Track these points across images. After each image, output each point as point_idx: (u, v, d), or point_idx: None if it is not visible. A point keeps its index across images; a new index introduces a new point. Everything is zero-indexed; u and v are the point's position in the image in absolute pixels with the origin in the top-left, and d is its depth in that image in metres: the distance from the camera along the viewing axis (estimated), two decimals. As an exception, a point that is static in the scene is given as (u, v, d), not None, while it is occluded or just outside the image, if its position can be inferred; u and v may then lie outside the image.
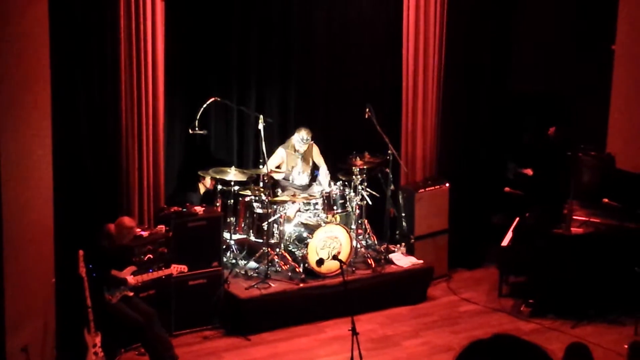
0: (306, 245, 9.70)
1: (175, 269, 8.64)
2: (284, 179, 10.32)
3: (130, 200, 9.19)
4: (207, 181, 10.02)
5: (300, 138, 10.18)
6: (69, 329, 8.19)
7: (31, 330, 7.65)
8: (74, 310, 8.06)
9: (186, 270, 8.74)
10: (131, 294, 8.37)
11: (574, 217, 9.92)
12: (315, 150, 10.46)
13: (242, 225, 9.99)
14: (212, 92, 9.94)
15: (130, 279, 8.27)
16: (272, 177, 10.00)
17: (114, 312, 8.19)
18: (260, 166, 9.94)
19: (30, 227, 7.59)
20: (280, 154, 10.29)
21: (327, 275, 9.73)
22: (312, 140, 10.28)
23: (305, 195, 10.09)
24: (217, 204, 9.81)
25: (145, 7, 9.06)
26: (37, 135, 7.55)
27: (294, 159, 10.29)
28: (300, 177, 10.35)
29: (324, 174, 10.33)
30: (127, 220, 8.47)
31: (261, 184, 10.00)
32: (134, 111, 9.15)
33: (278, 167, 10.31)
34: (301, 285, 9.61)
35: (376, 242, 10.60)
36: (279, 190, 10.23)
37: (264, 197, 9.81)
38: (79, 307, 7.88)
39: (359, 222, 10.39)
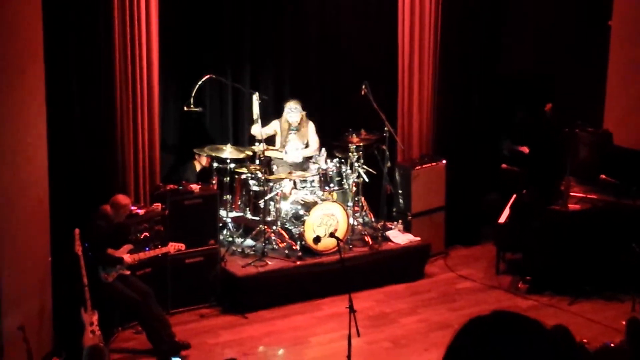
0: (303, 222, 9.69)
1: (173, 247, 8.64)
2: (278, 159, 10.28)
3: (126, 179, 9.16)
4: (203, 159, 10.00)
5: (289, 108, 10.14)
6: (65, 307, 8.18)
7: (28, 309, 7.65)
8: (71, 289, 8.05)
9: (184, 248, 8.73)
10: (127, 272, 8.36)
11: (571, 194, 9.92)
12: (311, 127, 10.42)
13: (239, 202, 9.97)
14: (206, 69, 9.90)
15: (127, 258, 8.25)
16: (266, 155, 9.96)
17: (110, 291, 8.18)
18: (256, 143, 9.91)
19: (26, 206, 7.58)
20: (274, 125, 10.26)
21: (324, 253, 9.72)
22: (303, 110, 10.22)
23: (302, 172, 10.06)
24: (213, 182, 9.79)
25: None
26: (32, 115, 7.53)
27: (287, 133, 10.25)
28: (295, 153, 10.29)
29: (312, 150, 10.30)
30: (122, 198, 8.44)
31: (257, 161, 9.97)
32: (129, 89, 9.11)
33: (272, 138, 10.25)
34: (298, 263, 9.61)
35: (373, 219, 10.59)
36: (274, 167, 10.21)
37: (260, 175, 9.79)
38: (76, 286, 7.88)
39: (356, 199, 10.37)
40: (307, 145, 10.41)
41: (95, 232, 8.17)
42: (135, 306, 8.25)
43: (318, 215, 9.68)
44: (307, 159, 10.33)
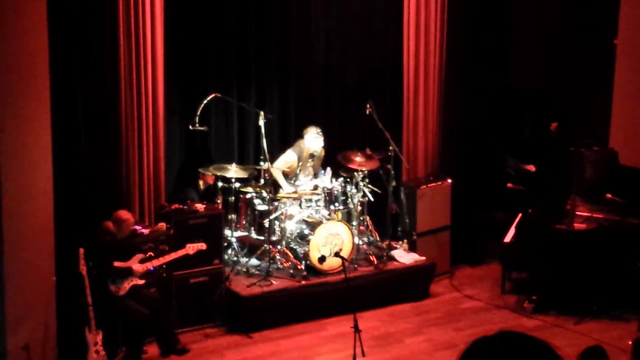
0: (308, 242, 9.68)
1: (191, 248, 8.65)
2: (287, 177, 10.26)
3: (131, 198, 9.18)
4: (208, 178, 10.00)
5: (313, 135, 10.13)
6: (70, 327, 8.17)
7: (32, 328, 7.63)
8: (75, 309, 8.05)
9: (205, 247, 8.75)
10: (142, 282, 8.38)
11: (577, 213, 9.89)
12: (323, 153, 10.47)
13: (243, 222, 9.96)
14: (211, 88, 9.93)
15: (136, 267, 8.27)
16: (272, 175, 9.94)
17: (120, 305, 8.20)
18: (261, 162, 9.91)
19: (30, 225, 7.57)
20: (291, 157, 10.22)
21: (329, 273, 9.70)
22: None
23: (307, 191, 10.04)
24: (218, 201, 9.79)
25: (144, 3, 9.04)
26: (37, 133, 7.54)
27: (306, 162, 10.24)
28: (306, 180, 10.27)
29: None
30: (123, 213, 8.48)
31: (262, 181, 9.97)
32: (134, 108, 9.14)
33: (292, 173, 10.26)
34: (303, 282, 9.59)
35: (378, 238, 10.57)
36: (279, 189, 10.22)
37: (265, 194, 9.78)
38: (80, 306, 7.88)
39: (361, 218, 10.36)
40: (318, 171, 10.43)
41: (99, 247, 8.19)
42: (143, 321, 8.27)
43: (323, 234, 9.67)
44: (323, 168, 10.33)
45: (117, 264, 8.23)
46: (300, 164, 10.23)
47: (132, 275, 8.29)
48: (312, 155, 10.27)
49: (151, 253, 8.75)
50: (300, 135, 10.33)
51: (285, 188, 10.12)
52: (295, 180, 10.27)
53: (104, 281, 8.13)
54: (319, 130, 10.18)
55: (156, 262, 8.48)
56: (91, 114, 8.92)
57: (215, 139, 10.45)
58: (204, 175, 10.00)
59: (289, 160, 10.22)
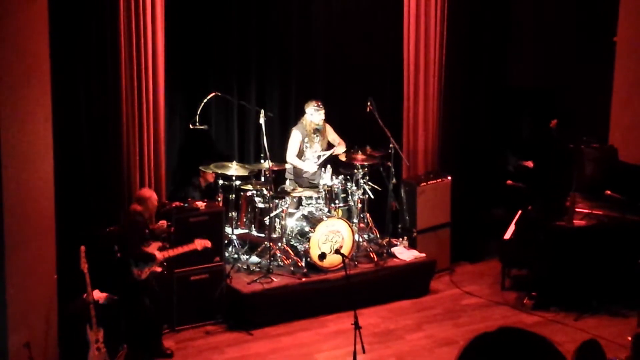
0: (308, 239, 9.69)
1: (199, 243, 8.71)
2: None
3: (132, 196, 9.17)
4: (208, 176, 10.01)
5: (313, 108, 10.09)
6: (71, 325, 8.19)
7: (33, 326, 7.66)
8: (76, 309, 8.07)
9: (210, 245, 8.83)
10: (159, 269, 8.46)
11: (577, 210, 9.91)
12: (329, 128, 10.44)
13: (244, 219, 9.98)
14: (212, 87, 9.94)
15: (158, 255, 8.37)
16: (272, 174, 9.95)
17: (141, 288, 8.31)
18: (262, 161, 9.92)
19: (31, 223, 7.59)
20: (297, 137, 10.20)
21: (330, 270, 9.72)
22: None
23: (309, 193, 10.04)
24: (219, 199, 9.80)
25: (145, 2, 9.05)
26: (38, 132, 7.55)
27: (311, 138, 10.24)
28: (312, 158, 10.25)
29: (342, 145, 10.37)
30: (145, 191, 8.66)
31: (262, 179, 9.99)
32: (135, 107, 9.15)
33: (299, 151, 10.25)
34: (303, 279, 9.61)
35: (378, 235, 10.58)
36: (287, 181, 10.22)
37: (265, 192, 9.80)
38: (81, 304, 7.91)
39: (361, 216, 10.37)
40: (328, 147, 10.40)
41: (135, 229, 8.32)
42: (153, 318, 8.39)
43: (323, 231, 9.69)
44: (323, 166, 10.30)
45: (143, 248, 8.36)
46: (306, 139, 10.23)
47: (153, 262, 8.37)
48: (316, 130, 10.25)
49: (166, 244, 8.79)
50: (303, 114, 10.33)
51: (310, 168, 10.14)
52: (302, 159, 10.25)
53: (127, 265, 8.21)
54: (319, 102, 10.16)
55: (172, 253, 8.55)
56: (92, 113, 8.94)
57: (216, 137, 10.47)
58: (204, 173, 10.02)
59: (295, 142, 10.21)
